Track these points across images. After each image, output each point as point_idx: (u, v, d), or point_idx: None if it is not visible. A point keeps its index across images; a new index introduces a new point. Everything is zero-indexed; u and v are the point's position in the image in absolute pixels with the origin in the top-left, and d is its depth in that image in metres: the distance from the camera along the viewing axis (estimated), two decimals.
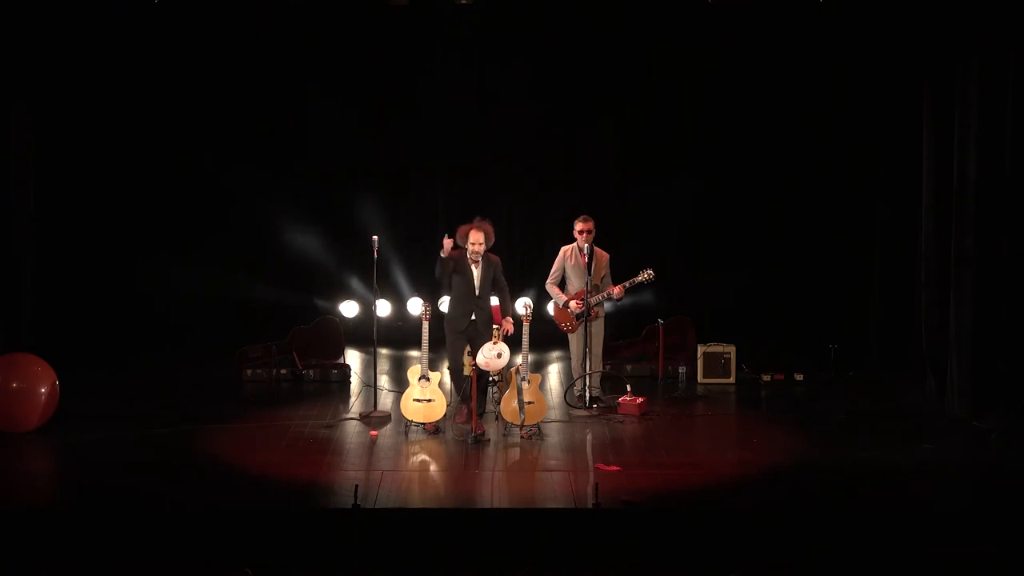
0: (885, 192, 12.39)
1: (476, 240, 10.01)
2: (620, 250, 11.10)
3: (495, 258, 10.17)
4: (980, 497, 8.30)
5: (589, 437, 9.97)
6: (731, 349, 12.03)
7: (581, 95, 13.46)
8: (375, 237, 10.66)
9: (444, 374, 10.33)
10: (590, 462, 9.17)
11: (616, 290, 10.65)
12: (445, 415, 10.06)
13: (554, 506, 8.11)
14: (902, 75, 11.57)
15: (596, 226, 10.72)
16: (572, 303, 10.74)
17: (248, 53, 12.98)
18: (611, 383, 11.38)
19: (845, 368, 12.19)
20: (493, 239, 10.12)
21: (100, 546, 7.49)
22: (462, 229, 10.07)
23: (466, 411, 9.99)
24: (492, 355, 9.89)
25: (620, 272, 10.81)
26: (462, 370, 10.35)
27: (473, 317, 10.13)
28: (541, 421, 9.99)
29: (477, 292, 10.11)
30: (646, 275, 10.65)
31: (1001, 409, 10.01)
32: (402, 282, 14.04)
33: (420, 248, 13.91)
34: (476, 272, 10.09)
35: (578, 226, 10.69)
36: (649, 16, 12.58)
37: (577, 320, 10.75)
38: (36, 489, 8.66)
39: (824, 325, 12.81)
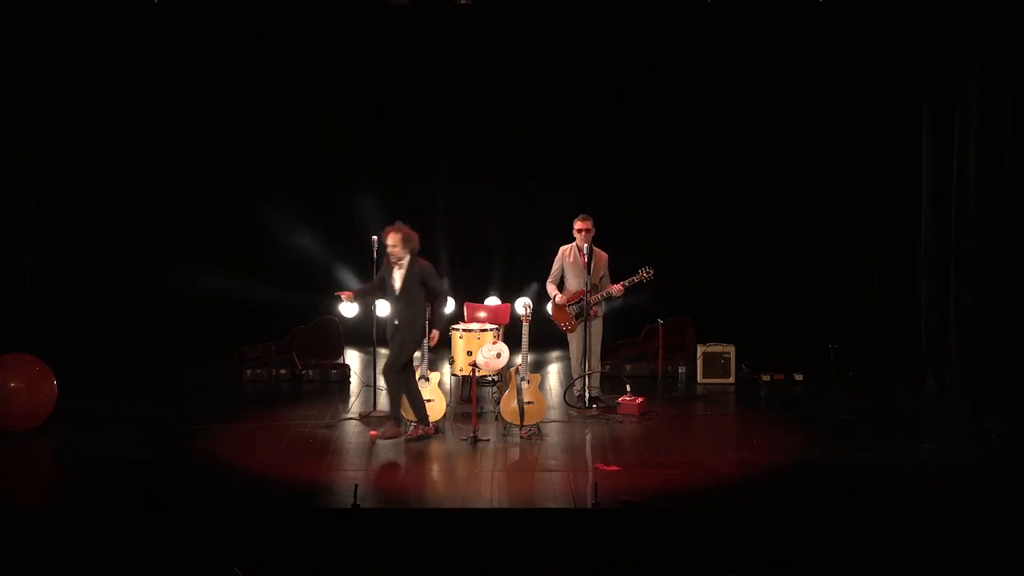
0: (885, 192, 12.38)
1: (391, 242, 9.69)
2: (620, 250, 11.10)
3: (424, 263, 9.81)
4: (980, 497, 8.29)
5: (589, 437, 9.97)
6: (731, 349, 12.03)
7: (581, 95, 13.46)
8: (375, 237, 10.65)
9: (444, 374, 10.29)
10: (590, 462, 9.17)
11: (616, 288, 10.64)
12: (445, 415, 10.07)
13: (554, 506, 8.11)
14: (902, 75, 11.58)
15: (596, 226, 10.71)
16: (560, 299, 10.75)
17: (248, 53, 13.00)
18: (611, 383, 11.38)
19: (845, 368, 12.19)
20: (414, 243, 9.73)
21: (100, 546, 7.49)
22: (384, 232, 9.85)
23: (393, 427, 9.77)
24: (491, 355, 9.89)
25: (619, 272, 10.80)
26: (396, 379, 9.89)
27: (396, 322, 9.81)
28: (541, 421, 9.99)
29: (397, 294, 9.77)
30: (645, 273, 10.64)
31: (1001, 409, 10.00)
32: None
33: (420, 248, 13.90)
34: (397, 275, 9.76)
35: (577, 225, 10.69)
36: (649, 16, 12.59)
37: (576, 320, 10.75)
38: (36, 489, 8.67)
39: (824, 325, 12.80)
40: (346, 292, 10.16)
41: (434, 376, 10.01)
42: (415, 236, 9.79)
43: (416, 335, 9.75)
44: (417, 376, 9.93)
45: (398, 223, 9.81)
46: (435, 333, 9.83)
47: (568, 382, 11.26)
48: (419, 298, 9.74)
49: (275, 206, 13.63)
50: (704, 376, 12.05)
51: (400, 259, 9.73)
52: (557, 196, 12.96)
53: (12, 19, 10.99)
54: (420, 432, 9.75)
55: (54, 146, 12.23)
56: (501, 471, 9.00)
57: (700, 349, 12.11)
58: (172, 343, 13.24)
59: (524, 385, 9.80)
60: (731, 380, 12.02)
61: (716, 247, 13.56)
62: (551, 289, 10.94)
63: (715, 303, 13.06)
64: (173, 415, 10.31)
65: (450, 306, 13.81)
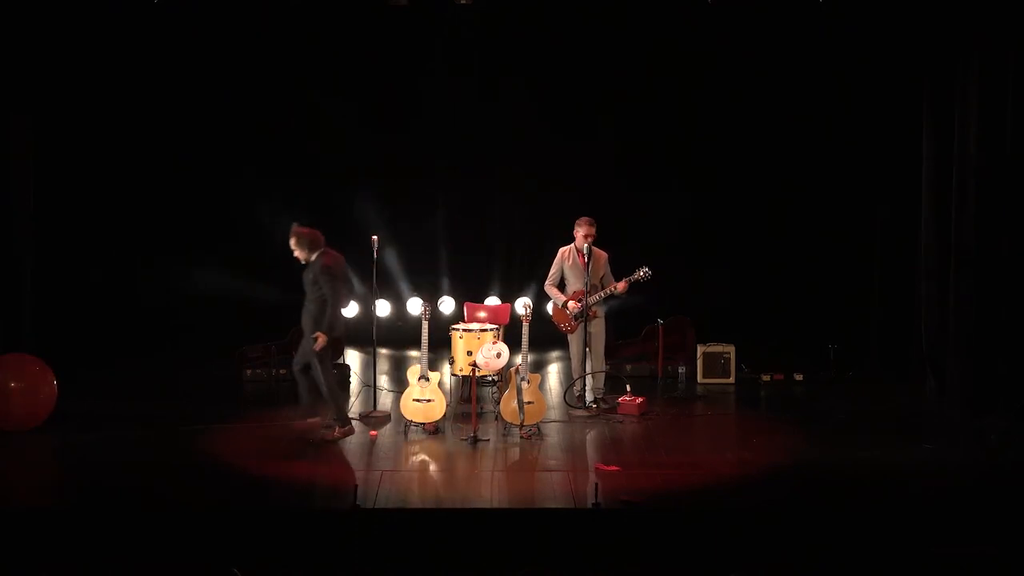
0: (885, 192, 12.39)
1: (290, 244, 9.63)
2: (620, 250, 11.08)
3: (326, 261, 9.57)
4: (980, 497, 8.29)
5: (589, 437, 9.97)
6: (731, 349, 12.03)
7: (581, 95, 13.47)
8: (375, 237, 10.66)
9: (444, 374, 10.28)
10: (590, 462, 9.17)
11: (621, 285, 10.60)
12: (445, 415, 10.07)
13: (554, 506, 8.11)
14: (902, 75, 11.58)
15: (596, 226, 10.68)
16: (571, 303, 10.73)
17: (248, 53, 13.00)
18: (611, 383, 11.37)
19: (845, 368, 12.20)
20: (314, 242, 9.59)
21: (100, 546, 7.49)
22: None
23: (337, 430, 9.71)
24: (491, 355, 9.89)
25: (619, 273, 10.79)
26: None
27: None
28: (541, 421, 9.99)
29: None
30: (642, 273, 10.61)
31: (1001, 409, 10.01)
32: (401, 282, 14.04)
33: (420, 248, 13.92)
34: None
35: (583, 230, 10.60)
36: (649, 16, 12.59)
37: (575, 321, 10.74)
38: (36, 489, 8.67)
39: (824, 325, 12.80)
40: None
41: (434, 376, 10.01)
42: (311, 234, 9.61)
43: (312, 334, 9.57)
44: (418, 376, 9.94)
45: (295, 225, 9.67)
46: (319, 336, 9.55)
47: (568, 382, 11.26)
48: (322, 297, 9.59)
49: (275, 206, 13.60)
50: (704, 376, 12.05)
51: (305, 259, 9.65)
52: (557, 196, 12.97)
53: (12, 19, 10.99)
54: (337, 434, 9.67)
55: (54, 146, 12.22)
56: (501, 471, 9.00)
57: (700, 349, 12.11)
58: (172, 343, 13.24)
59: (524, 385, 9.80)
60: (731, 380, 12.02)
61: (716, 247, 13.56)
62: (552, 291, 10.91)
63: (715, 303, 13.05)
64: (173, 415, 10.30)
65: (449, 306, 13.91)
